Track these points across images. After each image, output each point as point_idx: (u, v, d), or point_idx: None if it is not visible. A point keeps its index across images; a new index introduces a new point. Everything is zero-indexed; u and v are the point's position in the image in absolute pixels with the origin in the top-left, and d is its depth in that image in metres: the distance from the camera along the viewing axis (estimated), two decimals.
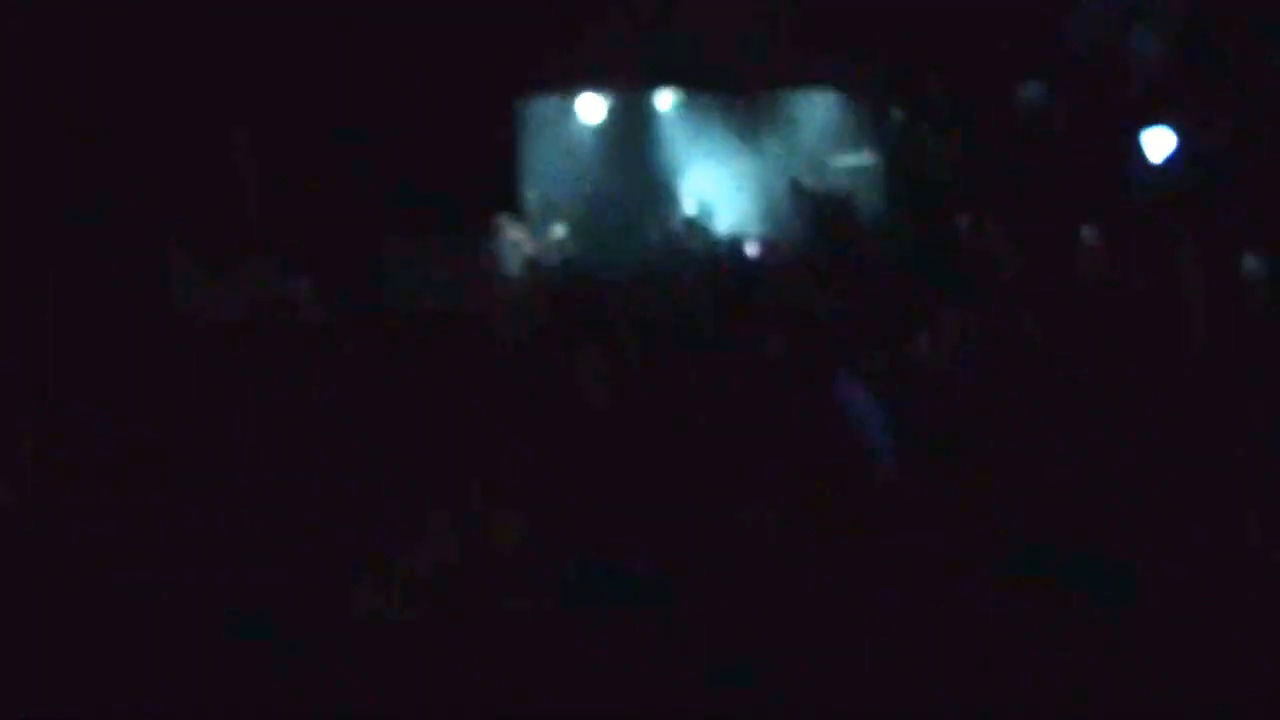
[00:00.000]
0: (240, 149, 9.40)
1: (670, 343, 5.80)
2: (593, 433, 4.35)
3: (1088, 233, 10.00)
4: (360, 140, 9.86)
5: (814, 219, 11.46)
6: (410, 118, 10.13)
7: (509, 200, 11.34)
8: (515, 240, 11.04)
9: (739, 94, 12.18)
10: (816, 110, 12.30)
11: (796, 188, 11.74)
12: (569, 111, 12.31)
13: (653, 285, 8.95)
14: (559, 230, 11.51)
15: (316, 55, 9.57)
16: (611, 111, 12.35)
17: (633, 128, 12.40)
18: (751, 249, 11.52)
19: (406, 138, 10.09)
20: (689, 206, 12.11)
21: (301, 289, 7.44)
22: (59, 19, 7.97)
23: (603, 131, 12.37)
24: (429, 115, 10.22)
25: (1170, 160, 10.16)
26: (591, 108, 12.32)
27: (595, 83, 12.14)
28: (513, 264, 10.82)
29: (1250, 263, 8.63)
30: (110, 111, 8.31)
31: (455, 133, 10.41)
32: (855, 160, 12.12)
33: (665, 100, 12.48)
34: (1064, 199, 10.25)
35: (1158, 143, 10.21)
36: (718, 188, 12.22)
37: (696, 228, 11.80)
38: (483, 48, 10.45)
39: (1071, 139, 10.65)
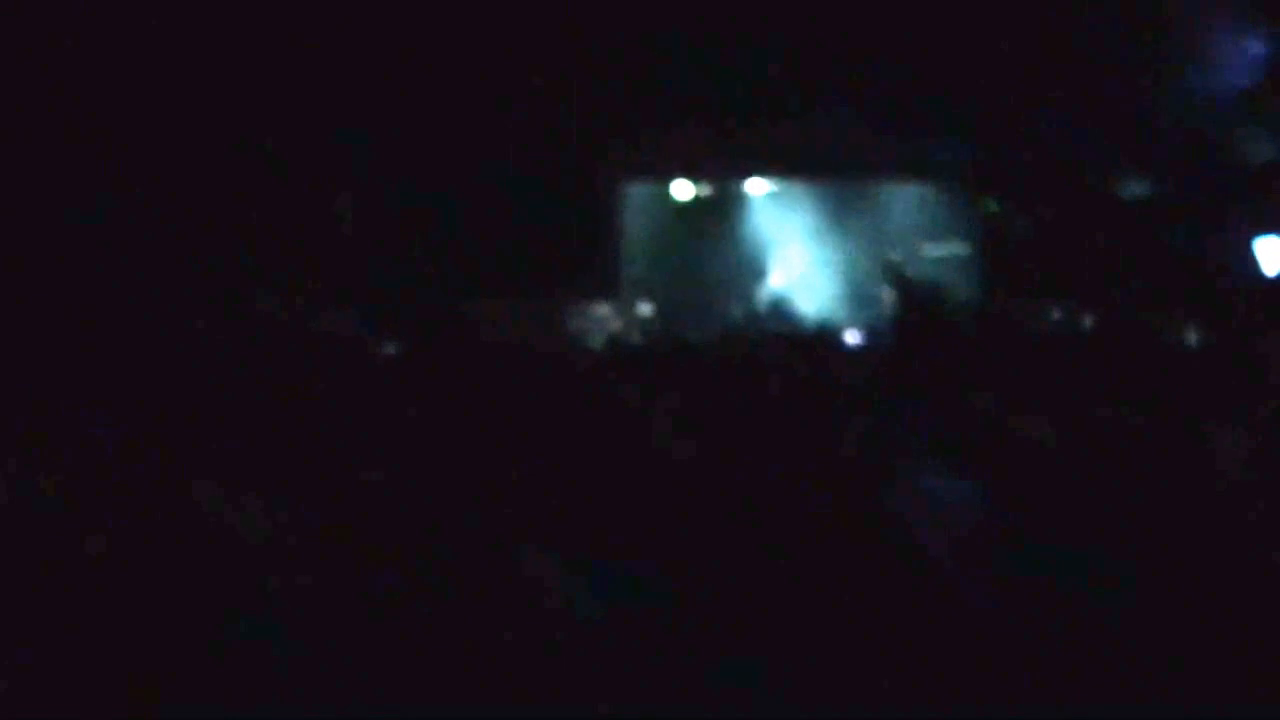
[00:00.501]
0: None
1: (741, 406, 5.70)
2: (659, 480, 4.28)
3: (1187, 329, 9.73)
4: (473, 210, 10.49)
5: (906, 305, 11.31)
6: (521, 194, 10.66)
7: (602, 277, 11.57)
8: (603, 315, 11.21)
9: (830, 182, 12.24)
10: (907, 198, 12.28)
11: (891, 270, 11.50)
12: (663, 196, 12.49)
13: (730, 354, 8.92)
14: (646, 308, 11.64)
15: (450, 147, 10.23)
16: (703, 197, 12.51)
17: (723, 212, 12.53)
18: (846, 335, 11.39)
19: (515, 211, 10.61)
20: (776, 289, 12.13)
21: (369, 330, 7.67)
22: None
23: (694, 216, 12.51)
24: (536, 192, 10.72)
25: None
26: (684, 192, 12.48)
27: (689, 169, 12.33)
28: (597, 339, 10.95)
29: None
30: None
31: (560, 211, 10.89)
32: (946, 249, 12.04)
33: (756, 187, 12.58)
34: (1163, 295, 9.99)
35: (1271, 252, 9.91)
36: (806, 273, 12.23)
37: (782, 310, 11.80)
38: (588, 136, 10.90)
39: (1173, 236, 10.42)
